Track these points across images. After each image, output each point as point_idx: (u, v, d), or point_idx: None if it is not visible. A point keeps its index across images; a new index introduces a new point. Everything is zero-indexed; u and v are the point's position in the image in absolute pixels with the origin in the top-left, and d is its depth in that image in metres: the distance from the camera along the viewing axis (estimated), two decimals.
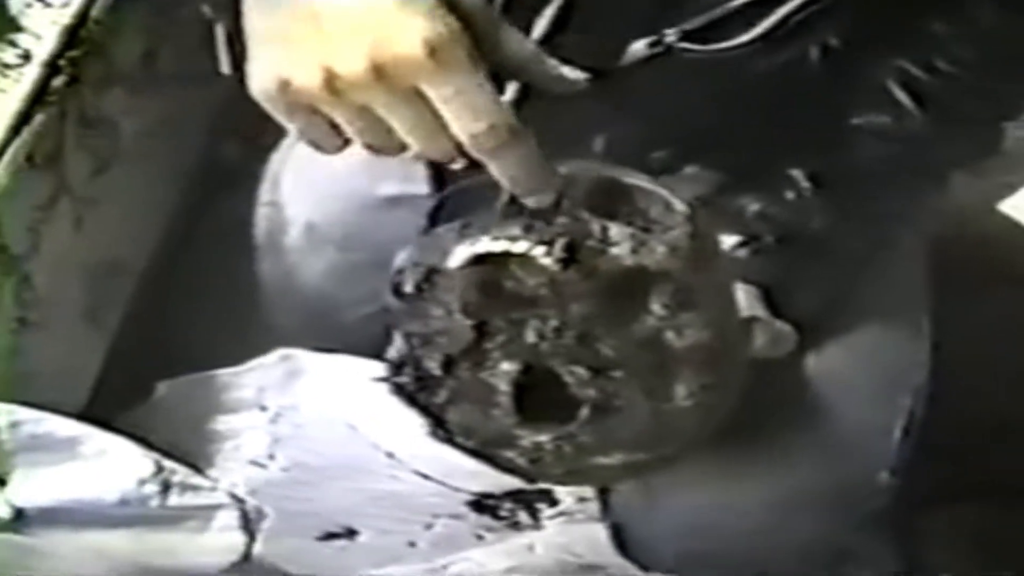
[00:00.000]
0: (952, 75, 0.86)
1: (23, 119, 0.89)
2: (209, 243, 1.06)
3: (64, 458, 0.86)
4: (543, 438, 0.79)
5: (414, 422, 0.82)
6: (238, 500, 0.89)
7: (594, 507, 0.88)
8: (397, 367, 0.81)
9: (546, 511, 0.88)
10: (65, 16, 0.95)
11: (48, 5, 0.95)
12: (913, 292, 0.95)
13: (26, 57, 0.93)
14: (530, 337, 0.78)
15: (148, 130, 1.04)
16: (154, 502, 0.87)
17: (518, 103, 0.76)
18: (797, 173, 0.86)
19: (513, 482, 0.85)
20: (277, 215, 1.02)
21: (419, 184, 0.98)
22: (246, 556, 0.91)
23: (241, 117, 1.14)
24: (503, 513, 0.88)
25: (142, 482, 0.87)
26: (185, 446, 0.89)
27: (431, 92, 0.69)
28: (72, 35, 0.94)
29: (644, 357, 0.78)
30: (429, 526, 0.89)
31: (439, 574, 0.92)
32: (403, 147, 0.74)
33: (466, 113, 0.69)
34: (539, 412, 0.79)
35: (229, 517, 0.89)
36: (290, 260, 1.01)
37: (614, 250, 0.76)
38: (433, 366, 0.80)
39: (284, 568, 0.92)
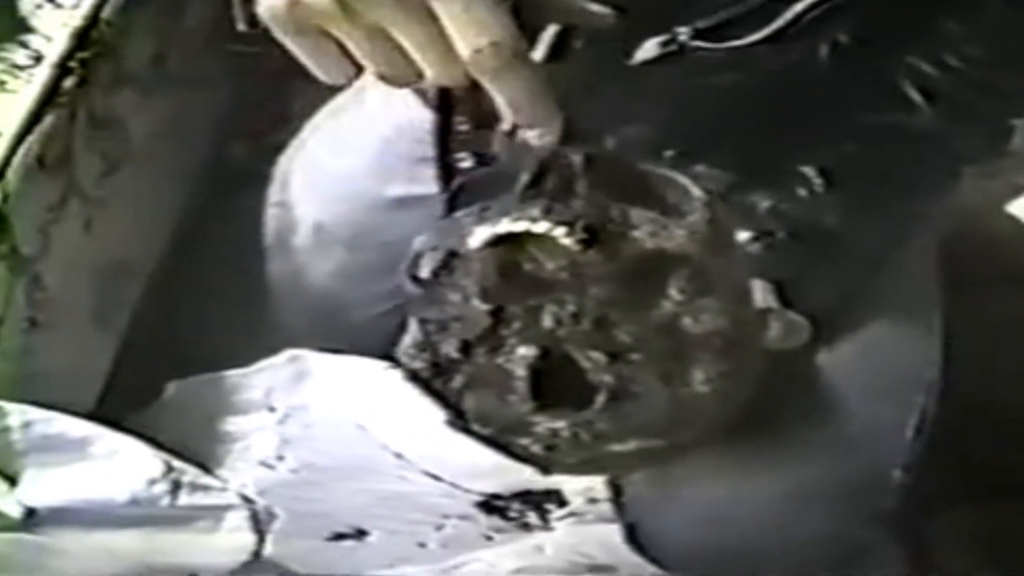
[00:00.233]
0: (963, 72, 0.86)
1: (33, 120, 0.90)
2: (218, 244, 1.06)
3: (75, 458, 0.86)
4: (560, 424, 0.79)
5: (425, 419, 0.82)
6: (248, 501, 0.89)
7: (605, 508, 0.88)
8: (412, 354, 0.81)
9: (555, 512, 0.88)
10: (76, 18, 0.95)
11: (59, 7, 0.96)
12: (925, 289, 0.94)
13: (37, 58, 0.93)
14: (547, 322, 0.78)
15: (158, 131, 1.05)
16: (164, 502, 0.87)
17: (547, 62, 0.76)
18: (809, 170, 0.86)
19: (522, 482, 0.85)
20: (286, 216, 1.02)
21: (428, 185, 0.98)
22: (256, 556, 0.91)
23: (250, 118, 1.15)
24: (512, 514, 0.88)
25: (152, 482, 0.87)
26: (194, 447, 0.88)
27: (440, 8, 0.68)
28: (82, 36, 0.95)
29: (661, 342, 0.78)
30: (439, 527, 0.89)
31: (449, 574, 0.92)
32: (416, 74, 0.73)
33: (472, 28, 0.69)
34: (556, 398, 0.79)
35: (239, 517, 0.89)
36: (299, 261, 1.01)
37: (634, 233, 0.76)
38: (449, 351, 0.80)
39: (294, 569, 0.92)
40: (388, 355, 0.84)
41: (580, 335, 0.78)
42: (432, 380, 0.81)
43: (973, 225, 1.01)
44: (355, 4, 0.69)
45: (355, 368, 0.86)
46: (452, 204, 0.85)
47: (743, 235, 0.84)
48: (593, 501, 0.88)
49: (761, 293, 0.83)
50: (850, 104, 0.87)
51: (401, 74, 0.73)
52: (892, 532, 0.91)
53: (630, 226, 0.76)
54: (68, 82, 0.93)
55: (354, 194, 1.00)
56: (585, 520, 0.88)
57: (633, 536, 0.89)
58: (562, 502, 0.88)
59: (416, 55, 0.71)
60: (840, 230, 0.86)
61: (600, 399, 0.78)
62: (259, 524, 0.90)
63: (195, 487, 0.88)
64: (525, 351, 0.79)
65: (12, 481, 0.87)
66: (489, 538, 0.90)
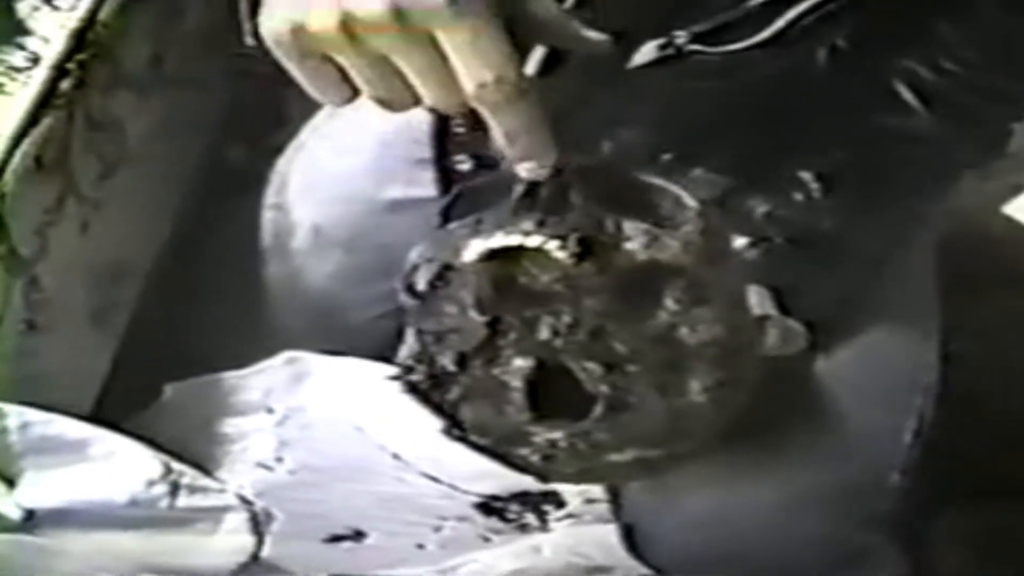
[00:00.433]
0: (959, 76, 0.86)
1: (31, 122, 0.90)
2: (216, 246, 1.06)
3: (73, 460, 0.86)
4: (557, 435, 0.79)
5: (423, 423, 0.82)
6: (246, 502, 0.89)
7: (602, 509, 0.88)
8: (410, 365, 0.81)
9: (553, 513, 0.88)
10: (73, 19, 0.95)
11: (56, 8, 0.96)
12: (923, 293, 0.95)
13: (34, 60, 0.93)
14: (543, 333, 0.78)
15: (155, 133, 1.04)
16: (163, 503, 0.87)
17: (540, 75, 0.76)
18: (806, 175, 0.86)
19: (520, 484, 0.85)
20: (283, 218, 1.02)
21: (426, 187, 0.98)
22: (254, 558, 0.91)
23: (248, 120, 1.15)
24: (510, 515, 0.89)
25: (151, 484, 0.87)
26: (193, 448, 0.89)
27: (445, 39, 0.68)
28: (80, 38, 0.94)
29: (657, 353, 0.78)
30: (437, 528, 0.90)
31: (447, 575, 0.92)
32: (414, 100, 0.73)
33: (477, 62, 0.69)
34: (553, 409, 0.79)
35: (238, 519, 0.89)
36: (296, 263, 1.01)
37: (627, 245, 0.76)
38: (446, 363, 0.80)
39: (292, 570, 0.92)
40: (386, 357, 0.84)
41: (576, 346, 0.78)
42: (430, 391, 0.81)
43: (971, 227, 1.01)
44: (360, 32, 0.69)
45: (353, 370, 0.86)
46: (447, 213, 0.85)
47: (740, 241, 0.84)
48: (591, 502, 0.88)
49: (758, 299, 0.83)
50: (847, 108, 0.87)
51: (399, 99, 0.73)
52: (890, 535, 0.92)
53: (624, 238, 0.77)
54: (65, 84, 0.93)
55: (352, 196, 1.00)
56: (583, 521, 0.89)
57: (630, 537, 0.89)
58: (560, 503, 0.88)
59: (416, 82, 0.71)
60: (837, 235, 0.86)
61: (597, 409, 0.79)
62: (257, 525, 0.90)
63: (194, 489, 0.88)
64: (522, 362, 0.79)
65: (11, 483, 0.87)
66: (487, 539, 0.90)
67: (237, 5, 0.81)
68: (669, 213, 0.79)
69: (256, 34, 0.74)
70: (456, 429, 0.81)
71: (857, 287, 0.89)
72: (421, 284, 0.80)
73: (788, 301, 0.83)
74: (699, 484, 0.88)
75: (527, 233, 0.76)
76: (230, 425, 0.89)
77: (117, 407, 0.93)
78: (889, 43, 0.88)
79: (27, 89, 0.91)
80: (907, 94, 0.87)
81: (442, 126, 0.96)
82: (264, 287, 1.02)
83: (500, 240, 0.77)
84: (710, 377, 0.78)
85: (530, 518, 0.88)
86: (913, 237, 0.92)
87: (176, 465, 0.87)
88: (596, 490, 0.88)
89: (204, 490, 0.88)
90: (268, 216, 1.03)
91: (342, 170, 1.00)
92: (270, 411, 0.89)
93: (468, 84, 0.70)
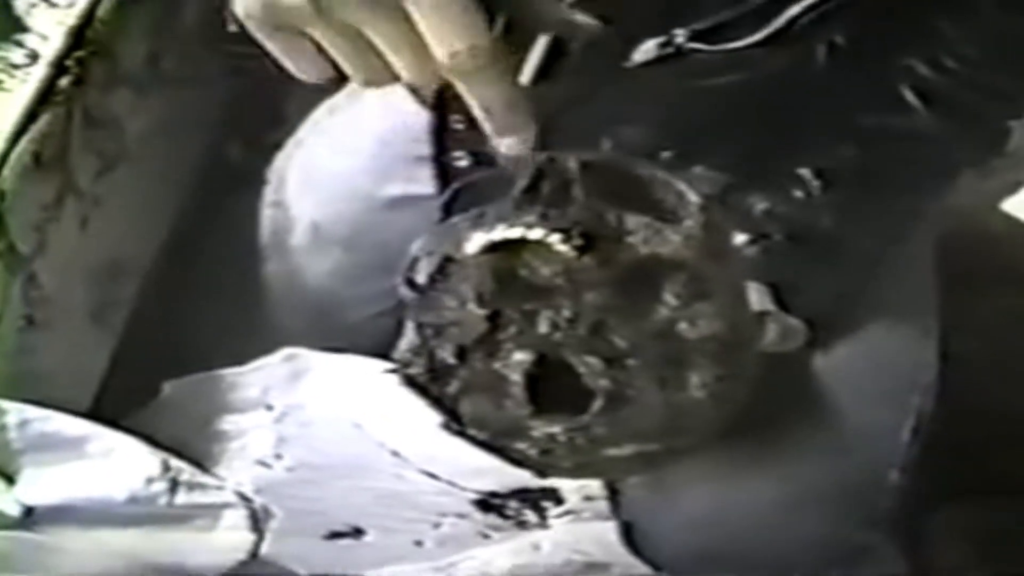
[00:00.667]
0: (959, 73, 0.86)
1: (29, 119, 0.90)
2: (214, 243, 1.06)
3: (72, 457, 0.86)
4: (556, 429, 0.79)
5: (421, 419, 0.82)
6: (245, 499, 0.89)
7: (601, 506, 0.88)
8: (408, 358, 0.81)
9: (552, 510, 0.89)
10: (71, 16, 0.95)
11: (54, 5, 0.96)
12: (922, 290, 0.95)
13: (33, 57, 0.93)
14: (543, 327, 0.78)
15: (154, 130, 1.04)
16: (162, 500, 0.87)
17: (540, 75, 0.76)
18: (805, 172, 0.86)
19: (519, 481, 0.85)
20: (282, 215, 1.02)
21: (424, 185, 0.98)
22: (253, 555, 0.91)
23: (246, 117, 1.15)
24: (509, 512, 0.89)
25: (150, 481, 0.87)
26: (191, 445, 0.89)
27: (413, 7, 0.68)
28: (78, 35, 0.94)
29: (658, 347, 0.78)
30: (436, 525, 0.90)
31: (445, 573, 0.92)
32: (392, 75, 0.72)
33: (446, 29, 0.68)
34: (552, 403, 0.79)
35: (236, 516, 0.89)
36: (295, 260, 1.01)
37: (629, 239, 0.76)
38: (446, 356, 0.80)
39: (291, 567, 0.92)
40: (384, 354, 0.84)
41: (576, 340, 0.78)
42: (429, 385, 0.81)
43: (970, 225, 1.01)
44: (328, 4, 0.68)
45: (352, 367, 0.86)
46: (448, 208, 0.85)
47: (740, 237, 0.84)
48: (590, 499, 0.88)
49: (757, 296, 0.83)
50: (847, 106, 0.87)
51: (377, 75, 0.73)
52: (889, 533, 0.92)
53: (625, 232, 0.77)
54: (64, 81, 0.93)
55: (351, 194, 1.00)
56: (582, 518, 0.89)
57: (629, 534, 0.89)
58: (559, 500, 0.88)
59: (389, 55, 0.71)
60: (837, 232, 0.86)
61: (597, 404, 0.79)
62: (256, 523, 0.90)
63: (192, 486, 0.88)
64: (521, 356, 0.79)
65: (10, 480, 0.87)
66: (486, 536, 0.90)
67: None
68: (671, 207, 0.79)
69: (239, 21, 0.74)
70: (454, 423, 0.81)
71: (856, 284, 0.89)
72: (421, 277, 0.80)
73: (787, 298, 0.83)
74: (698, 481, 0.88)
75: (529, 226, 0.76)
76: (229, 422, 0.89)
77: (116, 404, 0.93)
78: (889, 41, 0.88)
79: (25, 86, 0.91)
80: (907, 92, 0.87)
81: (441, 123, 0.96)
82: (263, 285, 1.02)
83: (502, 232, 0.76)
84: (709, 372, 0.78)
85: (529, 515, 0.88)
86: (912, 234, 0.92)
87: (175, 462, 0.87)
88: (595, 487, 0.88)
89: (203, 487, 0.88)
90: (267, 214, 1.03)
91: (341, 167, 1.00)
92: (269, 408, 0.88)
93: (439, 52, 0.69)
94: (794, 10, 0.87)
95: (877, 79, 0.88)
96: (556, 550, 0.89)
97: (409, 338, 0.81)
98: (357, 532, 0.91)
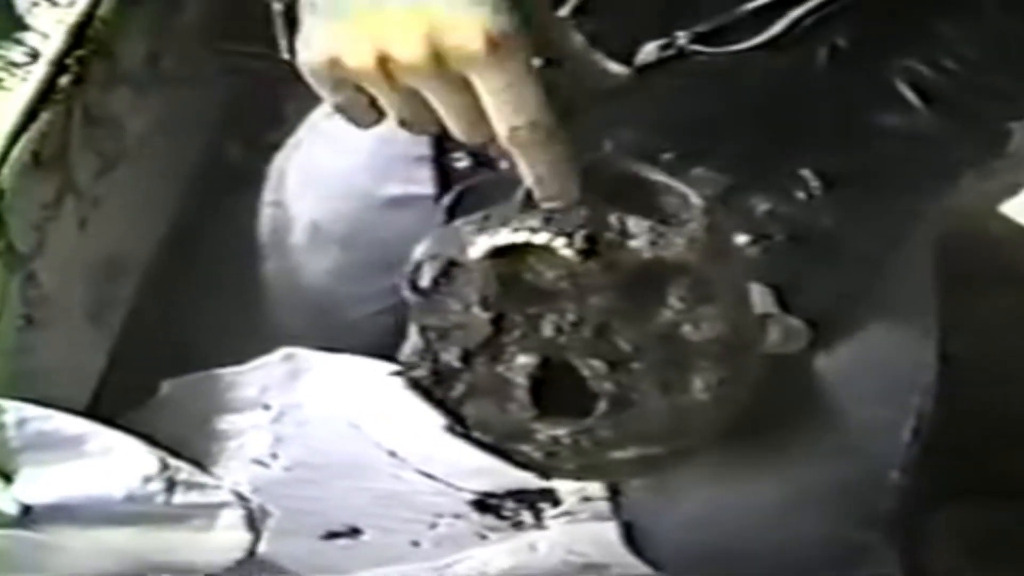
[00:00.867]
0: (960, 75, 0.86)
1: (30, 117, 0.90)
2: (213, 242, 1.06)
3: (70, 455, 0.86)
4: (560, 432, 0.79)
5: (420, 420, 0.82)
6: (242, 499, 0.89)
7: (600, 506, 0.88)
8: (413, 362, 0.81)
9: (549, 511, 0.88)
10: (71, 16, 0.95)
11: (54, 4, 0.96)
12: (922, 291, 0.95)
13: (33, 56, 0.93)
14: (547, 330, 0.78)
15: (153, 129, 1.05)
16: (159, 499, 0.87)
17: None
18: (807, 173, 0.86)
19: (516, 481, 0.85)
20: (281, 214, 1.03)
21: (424, 185, 0.98)
22: (251, 554, 0.91)
23: (246, 117, 1.16)
24: (506, 513, 0.88)
25: (147, 480, 0.87)
26: (189, 444, 0.88)
27: (481, 82, 0.68)
28: (79, 34, 0.94)
29: (661, 350, 0.78)
30: (433, 525, 0.90)
31: (442, 573, 0.92)
32: (438, 126, 0.73)
33: (511, 106, 0.69)
34: (556, 406, 0.79)
35: (234, 515, 0.89)
36: (294, 259, 1.01)
37: (633, 242, 0.76)
38: (450, 360, 0.80)
39: (288, 567, 0.92)
40: (383, 354, 0.84)
41: (580, 343, 0.78)
42: (433, 388, 0.81)
43: (969, 226, 1.01)
44: (396, 71, 0.69)
45: (350, 366, 0.86)
46: (452, 210, 0.85)
47: (741, 238, 0.84)
48: (587, 500, 0.88)
49: (760, 297, 0.83)
50: (848, 107, 0.87)
51: (425, 126, 0.74)
52: (888, 533, 0.92)
53: (629, 235, 0.76)
54: (64, 80, 0.93)
55: (350, 193, 1.00)
56: (579, 519, 0.89)
57: (629, 535, 0.89)
58: (556, 501, 0.88)
59: (446, 118, 0.72)
60: (838, 233, 0.86)
61: (601, 407, 0.78)
62: (254, 522, 0.90)
63: (190, 485, 0.88)
64: (526, 359, 0.79)
65: (8, 478, 0.87)
66: (483, 537, 0.90)
67: (234, 3, 0.81)
68: (674, 211, 0.78)
69: (292, 51, 0.74)
70: (458, 426, 0.81)
71: (857, 285, 0.89)
72: (425, 281, 0.80)
73: (788, 298, 0.83)
74: (698, 482, 0.88)
75: (534, 230, 0.76)
76: (227, 421, 0.89)
77: (114, 403, 0.93)
78: (890, 43, 0.88)
79: (26, 85, 0.91)
80: (907, 93, 0.87)
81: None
82: (262, 284, 1.03)
83: (507, 237, 0.76)
84: (713, 375, 0.78)
85: (526, 515, 0.88)
86: (913, 235, 0.92)
87: (173, 461, 0.87)
88: (593, 488, 0.88)
89: (200, 486, 0.88)
90: (266, 213, 1.03)
91: (340, 167, 1.00)
92: (267, 407, 0.88)
93: (501, 127, 0.70)
94: (796, 12, 0.87)
95: (878, 80, 0.88)
96: (553, 551, 0.89)
97: (413, 341, 0.81)
98: (354, 532, 0.91)
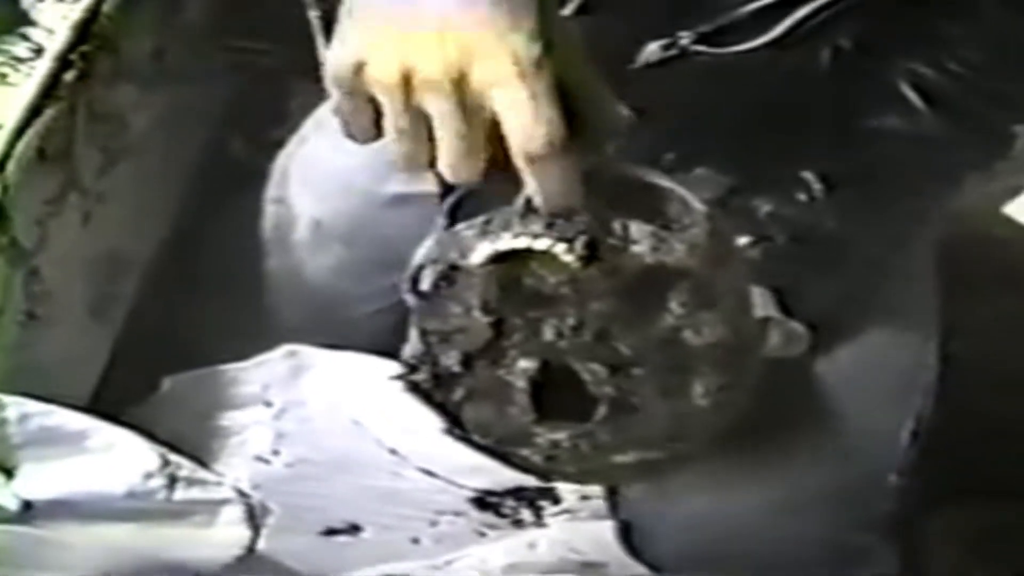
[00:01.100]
0: (963, 77, 0.86)
1: (34, 113, 0.90)
2: (216, 239, 1.07)
3: (71, 451, 0.86)
4: (560, 436, 0.79)
5: (421, 419, 0.82)
6: (243, 495, 0.89)
7: (598, 505, 0.88)
8: (413, 365, 0.81)
9: (549, 509, 0.89)
10: (76, 11, 0.95)
11: (60, 0, 0.96)
12: (924, 293, 0.95)
13: (38, 51, 0.93)
14: (548, 335, 0.78)
15: (157, 126, 1.05)
16: (160, 496, 0.87)
17: None
18: (809, 175, 0.86)
19: (516, 480, 0.85)
20: (284, 211, 1.03)
21: (426, 183, 0.98)
22: (251, 551, 0.91)
23: (249, 114, 1.16)
24: (506, 511, 0.89)
25: (148, 476, 0.87)
26: (190, 441, 0.89)
27: (504, 96, 0.69)
28: (83, 30, 0.95)
29: (662, 355, 0.78)
30: (433, 523, 0.90)
31: (441, 570, 0.92)
32: (429, 163, 0.74)
33: (530, 118, 0.70)
34: (556, 410, 0.79)
35: (234, 512, 0.90)
36: (297, 256, 1.02)
37: (634, 248, 0.76)
38: (451, 364, 0.80)
39: (288, 563, 0.92)
40: (385, 351, 0.84)
41: (581, 348, 0.78)
42: (433, 391, 0.81)
43: (972, 228, 1.01)
44: (417, 86, 0.70)
45: (352, 364, 0.86)
46: (454, 214, 0.85)
47: (743, 240, 0.84)
48: (587, 498, 0.88)
49: (761, 301, 0.83)
50: (851, 109, 0.87)
51: (418, 159, 0.74)
52: (887, 535, 0.92)
53: (630, 241, 0.76)
54: (68, 76, 0.93)
55: (353, 190, 1.00)
56: (579, 517, 0.89)
57: (627, 534, 0.89)
58: (556, 499, 0.88)
59: (444, 146, 0.72)
60: (840, 234, 0.86)
61: (601, 411, 0.79)
62: (254, 519, 0.90)
63: (191, 481, 0.88)
64: (526, 363, 0.79)
65: (9, 474, 0.87)
66: (482, 534, 0.90)
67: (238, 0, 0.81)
68: (676, 215, 0.78)
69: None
70: (458, 429, 0.81)
71: (858, 287, 0.89)
72: (426, 284, 0.80)
73: (789, 301, 0.83)
74: (698, 483, 0.88)
75: (535, 236, 0.76)
76: (228, 418, 0.89)
77: (116, 399, 0.93)
78: (893, 44, 0.88)
79: (30, 80, 0.91)
80: (911, 95, 0.87)
81: None
82: (264, 280, 1.03)
83: (508, 243, 0.76)
84: (713, 380, 0.78)
85: (525, 514, 0.88)
86: (915, 238, 0.92)
87: (174, 457, 0.87)
88: (592, 486, 0.88)
89: (201, 483, 0.88)
90: (269, 210, 1.03)
91: (343, 164, 1.00)
92: (268, 404, 0.89)
93: (516, 138, 0.70)
94: (799, 13, 0.87)
95: (881, 82, 0.88)
96: (552, 549, 0.89)
97: (413, 344, 0.81)
98: (354, 529, 0.91)
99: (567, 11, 0.85)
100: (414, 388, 0.81)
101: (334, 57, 0.72)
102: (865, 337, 0.90)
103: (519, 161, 0.71)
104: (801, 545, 0.90)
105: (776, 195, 0.86)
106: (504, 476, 0.84)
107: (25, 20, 0.95)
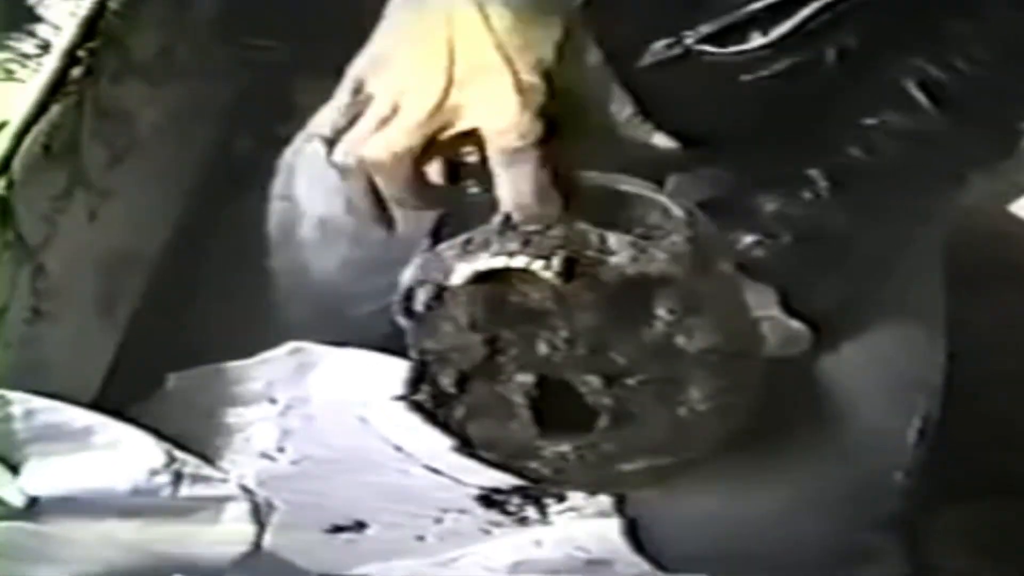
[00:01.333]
0: (970, 75, 0.86)
1: (41, 109, 0.90)
2: (222, 236, 1.07)
3: (77, 447, 0.86)
4: (565, 448, 0.79)
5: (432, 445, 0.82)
6: (248, 492, 0.89)
7: (604, 502, 0.88)
8: (414, 385, 0.81)
9: (554, 506, 0.89)
10: (83, 7, 0.95)
11: None
12: (930, 292, 0.95)
13: (45, 47, 0.93)
14: (542, 349, 0.79)
15: (164, 123, 1.05)
16: (166, 492, 0.88)
17: None
18: (815, 173, 0.86)
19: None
20: (291, 209, 1.02)
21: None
22: (256, 547, 0.91)
23: (257, 111, 1.16)
24: (511, 508, 0.89)
25: (154, 472, 0.87)
26: (196, 438, 0.89)
27: (469, 90, 0.72)
28: (90, 26, 0.95)
29: (656, 363, 0.78)
30: (437, 520, 0.90)
31: (446, 568, 0.92)
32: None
33: (503, 108, 0.72)
34: (558, 423, 0.79)
35: (239, 509, 0.90)
36: (303, 254, 1.01)
37: (614, 259, 0.76)
38: (448, 383, 0.80)
39: (293, 560, 0.93)
40: (390, 349, 0.84)
41: (575, 360, 0.78)
42: (435, 410, 0.81)
43: (978, 226, 1.01)
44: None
45: (357, 361, 0.86)
46: (437, 234, 0.85)
47: (747, 239, 0.84)
48: (592, 495, 0.88)
49: (759, 300, 0.82)
50: (856, 107, 0.87)
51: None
52: (894, 534, 0.91)
53: (609, 252, 0.76)
54: (76, 72, 0.93)
55: None
56: (584, 515, 0.89)
57: (633, 532, 0.89)
58: (561, 497, 0.88)
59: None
60: (845, 233, 0.86)
61: (602, 422, 0.79)
62: (259, 515, 0.90)
63: (196, 478, 0.88)
64: (523, 378, 0.79)
65: (15, 470, 0.87)
66: (487, 532, 0.90)
67: None
68: (656, 223, 0.78)
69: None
70: (465, 446, 0.82)
71: (864, 286, 0.89)
72: (417, 306, 0.80)
73: (795, 300, 0.83)
74: (705, 482, 0.88)
75: (511, 254, 0.76)
76: (233, 415, 0.89)
77: (121, 396, 0.93)
78: (898, 42, 0.87)
79: (37, 76, 0.91)
80: (916, 93, 0.87)
81: None
82: (270, 278, 1.03)
83: (486, 263, 0.77)
84: (711, 384, 0.78)
85: (531, 511, 0.89)
86: (921, 236, 0.92)
87: (179, 454, 0.87)
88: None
89: (207, 479, 0.88)
90: (275, 207, 1.03)
91: None
92: (273, 401, 0.89)
93: (492, 137, 0.73)
94: (804, 12, 0.87)
95: (887, 80, 0.87)
96: (557, 546, 0.90)
97: (412, 365, 0.81)
98: (359, 526, 0.91)
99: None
100: (417, 408, 0.81)
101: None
102: (871, 336, 0.90)
103: (491, 151, 0.72)
104: (808, 544, 0.90)
105: (782, 194, 0.86)
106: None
107: (32, 16, 0.95)
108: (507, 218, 0.76)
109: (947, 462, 0.93)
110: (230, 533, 0.91)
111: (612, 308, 0.77)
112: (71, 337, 0.94)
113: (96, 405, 0.88)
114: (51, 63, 0.92)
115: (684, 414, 0.78)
